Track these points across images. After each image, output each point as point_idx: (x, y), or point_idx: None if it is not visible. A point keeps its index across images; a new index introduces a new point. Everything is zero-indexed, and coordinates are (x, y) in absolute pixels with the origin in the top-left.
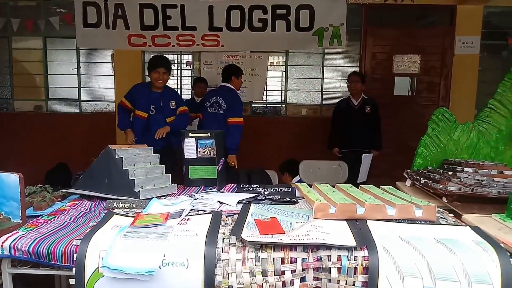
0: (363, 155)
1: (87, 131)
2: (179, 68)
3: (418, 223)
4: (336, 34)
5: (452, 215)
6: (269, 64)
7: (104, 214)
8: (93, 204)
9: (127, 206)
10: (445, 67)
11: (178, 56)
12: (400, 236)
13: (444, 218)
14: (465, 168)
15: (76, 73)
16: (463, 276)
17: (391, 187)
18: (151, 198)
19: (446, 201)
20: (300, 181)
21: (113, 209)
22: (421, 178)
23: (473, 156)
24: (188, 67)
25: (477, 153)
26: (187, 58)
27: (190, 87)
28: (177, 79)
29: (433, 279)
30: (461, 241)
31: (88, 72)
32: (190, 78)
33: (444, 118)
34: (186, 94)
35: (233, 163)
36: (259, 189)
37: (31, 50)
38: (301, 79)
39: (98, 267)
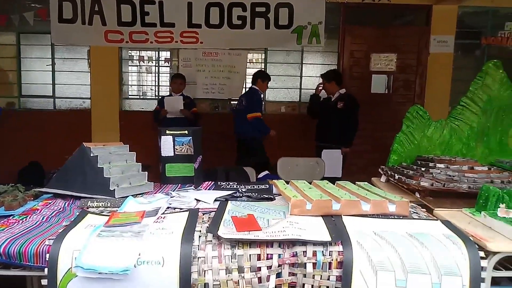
0: (323, 150)
1: (61, 128)
2: (157, 65)
3: (392, 218)
4: (314, 32)
5: (424, 209)
6: (248, 61)
7: (77, 213)
8: (66, 203)
9: (102, 204)
10: (420, 65)
11: (156, 52)
12: (374, 231)
13: (417, 213)
14: (437, 164)
15: (51, 70)
16: (433, 269)
17: (366, 183)
18: (127, 197)
19: (419, 196)
20: (267, 176)
21: (87, 208)
22: (396, 174)
23: (446, 152)
24: (167, 64)
25: (449, 149)
26: (165, 55)
27: (169, 84)
28: (155, 76)
29: (405, 272)
30: (432, 235)
31: (63, 69)
32: (168, 75)
33: (418, 115)
34: (164, 91)
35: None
36: (237, 187)
37: (4, 46)
38: (280, 77)
39: (71, 267)
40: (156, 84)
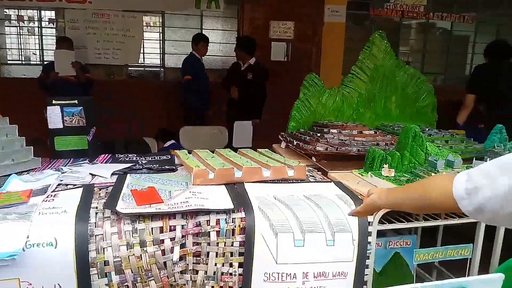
0: (235, 122)
1: None
2: (39, 26)
3: (291, 182)
4: None
5: (320, 172)
6: (144, 25)
7: None
8: None
9: None
10: (316, 34)
11: (38, 12)
12: (274, 196)
13: (313, 176)
14: (331, 130)
15: None
16: (327, 227)
17: (267, 150)
18: (10, 175)
19: (315, 160)
20: (173, 145)
21: None
22: (294, 140)
23: (339, 118)
24: (52, 25)
25: (342, 115)
26: (49, 15)
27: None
28: (39, 39)
29: (303, 233)
30: (326, 196)
31: None
32: (54, 37)
33: (314, 83)
34: (50, 56)
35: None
36: (136, 158)
37: None
38: (179, 42)
39: None
40: (40, 48)
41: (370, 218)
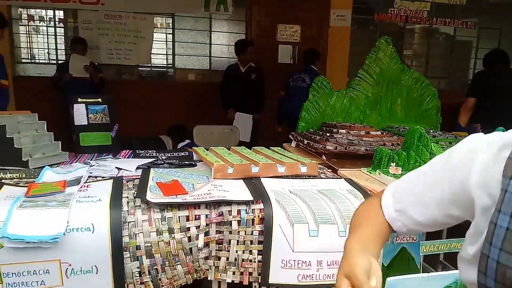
0: (236, 113)
1: None
2: (51, 25)
3: (304, 178)
4: None
5: (330, 170)
6: (155, 26)
7: None
8: None
9: (16, 176)
10: (322, 38)
11: (47, 12)
12: (289, 190)
13: (324, 173)
14: (339, 130)
15: None
16: (339, 219)
17: (279, 148)
18: (42, 167)
19: (325, 159)
20: (188, 144)
21: (1, 180)
22: (304, 139)
23: (346, 119)
24: (61, 25)
25: (349, 116)
26: (58, 14)
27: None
28: (54, 39)
29: (317, 223)
30: (338, 191)
31: None
32: (63, 37)
33: (323, 85)
34: (61, 55)
35: None
36: (156, 154)
37: None
38: (189, 44)
39: None
40: (55, 47)
41: None
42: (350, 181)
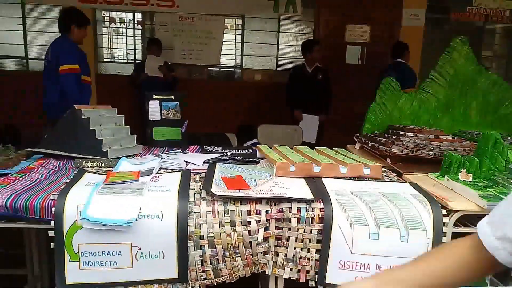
0: (303, 114)
1: (35, 91)
2: (131, 27)
3: (366, 180)
4: (291, 0)
5: (394, 174)
6: (225, 27)
7: (75, 172)
8: (61, 163)
9: (97, 164)
10: (392, 38)
11: (127, 14)
12: (350, 191)
13: (388, 177)
14: (407, 133)
15: (22, 30)
16: (402, 224)
17: (342, 149)
18: (119, 158)
19: (389, 162)
20: (254, 144)
21: (83, 168)
22: (369, 142)
23: (415, 123)
24: (139, 27)
25: (418, 119)
26: (137, 17)
27: (141, 48)
28: (132, 39)
29: (377, 226)
30: (401, 194)
31: (35, 29)
32: (140, 38)
33: (391, 87)
34: (138, 55)
35: None
36: (222, 150)
37: None
38: (256, 44)
39: (76, 220)
40: (133, 48)
41: (445, 219)
42: (415, 185)
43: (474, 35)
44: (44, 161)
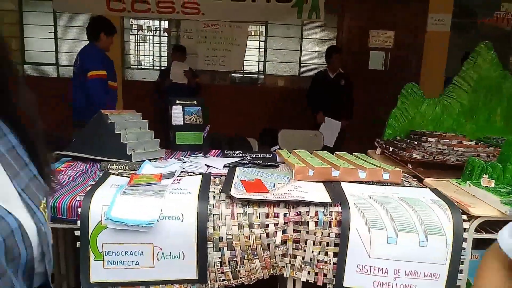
0: (326, 118)
1: (65, 96)
2: (157, 35)
3: (386, 185)
4: (315, 6)
5: (415, 179)
6: (249, 34)
7: (101, 174)
8: (87, 166)
9: (121, 167)
10: (417, 43)
11: (154, 22)
12: (369, 195)
13: (408, 182)
14: (429, 138)
15: (53, 37)
16: (421, 228)
17: (363, 154)
18: (143, 161)
19: (410, 167)
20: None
21: (108, 170)
22: (390, 147)
23: (437, 128)
24: (165, 34)
25: (440, 125)
26: (163, 24)
27: (166, 55)
28: (158, 46)
29: (396, 231)
30: (421, 199)
31: (66, 37)
32: (166, 45)
33: (413, 92)
34: (163, 62)
35: None
36: (242, 155)
37: (6, 11)
38: (279, 50)
39: (101, 220)
40: (159, 54)
41: (466, 225)
42: (435, 191)
43: (502, 40)
44: (72, 163)
